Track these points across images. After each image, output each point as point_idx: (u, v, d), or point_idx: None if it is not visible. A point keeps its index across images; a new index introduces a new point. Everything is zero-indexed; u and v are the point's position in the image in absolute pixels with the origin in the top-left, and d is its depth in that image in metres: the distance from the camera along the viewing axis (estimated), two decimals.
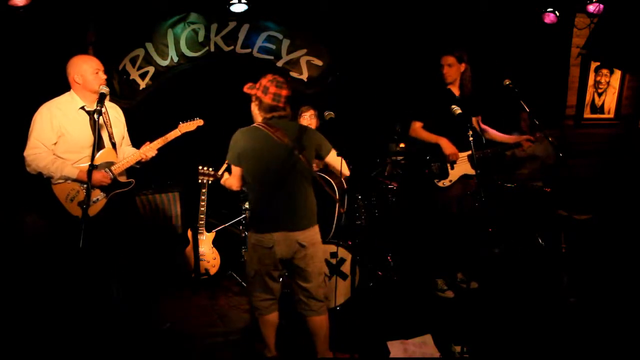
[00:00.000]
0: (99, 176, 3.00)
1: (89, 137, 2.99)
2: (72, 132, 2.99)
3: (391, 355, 3.05)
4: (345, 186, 3.24)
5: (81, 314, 3.10)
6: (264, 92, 2.68)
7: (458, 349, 2.97)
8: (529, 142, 3.87)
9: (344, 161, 2.84)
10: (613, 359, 3.04)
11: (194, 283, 4.05)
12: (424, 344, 3.14)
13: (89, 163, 2.68)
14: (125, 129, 3.36)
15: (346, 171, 2.85)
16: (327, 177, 3.32)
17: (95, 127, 2.85)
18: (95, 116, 2.82)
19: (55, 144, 2.98)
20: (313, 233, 2.74)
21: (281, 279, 2.94)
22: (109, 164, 3.11)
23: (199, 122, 3.54)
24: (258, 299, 2.84)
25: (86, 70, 3.01)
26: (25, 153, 2.96)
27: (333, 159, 2.82)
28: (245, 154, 2.66)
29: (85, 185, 2.87)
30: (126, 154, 3.31)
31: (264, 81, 2.70)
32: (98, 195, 3.06)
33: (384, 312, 3.63)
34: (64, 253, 3.01)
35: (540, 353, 3.09)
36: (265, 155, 2.65)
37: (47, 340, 3.15)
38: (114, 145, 3.17)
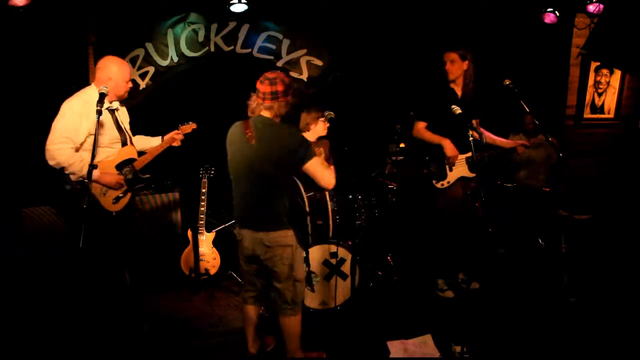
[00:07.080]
0: (112, 179, 3.01)
1: (114, 136, 3.07)
2: (102, 132, 2.98)
3: (391, 355, 3.05)
4: (327, 198, 3.01)
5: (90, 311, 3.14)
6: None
7: (458, 349, 2.97)
8: (524, 147, 3.90)
9: (327, 172, 2.68)
10: (613, 359, 3.04)
11: (193, 283, 4.05)
12: (424, 344, 3.14)
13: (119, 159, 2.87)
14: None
15: (326, 183, 2.67)
16: (300, 185, 2.90)
17: (99, 124, 2.84)
18: (96, 115, 2.80)
19: (82, 142, 2.94)
20: (281, 236, 2.66)
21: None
22: (131, 161, 3.17)
23: (192, 125, 3.60)
24: (244, 289, 2.98)
25: (121, 77, 3.04)
26: (49, 145, 2.82)
27: (311, 167, 2.62)
28: (228, 148, 2.74)
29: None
30: (151, 143, 3.43)
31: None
32: (120, 193, 3.10)
33: (384, 312, 3.62)
34: (91, 248, 2.89)
35: (540, 353, 3.09)
36: (236, 153, 2.68)
37: (53, 335, 3.16)
38: (130, 140, 3.24)
